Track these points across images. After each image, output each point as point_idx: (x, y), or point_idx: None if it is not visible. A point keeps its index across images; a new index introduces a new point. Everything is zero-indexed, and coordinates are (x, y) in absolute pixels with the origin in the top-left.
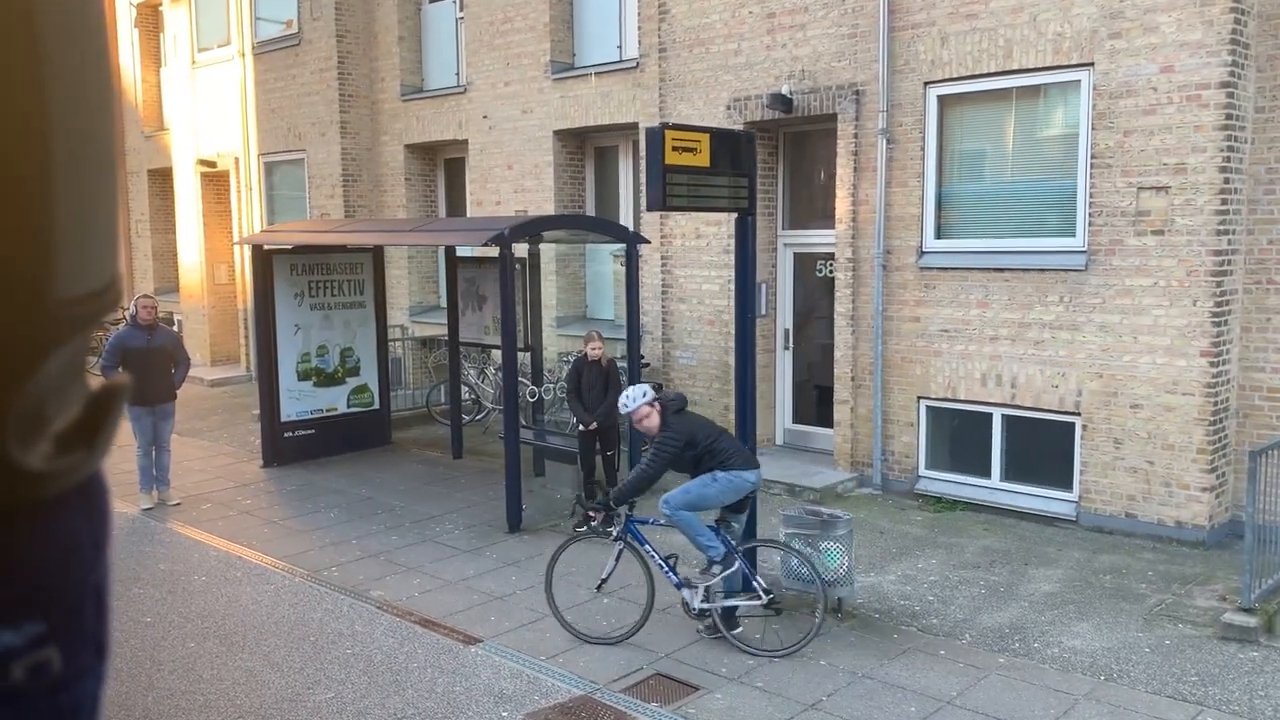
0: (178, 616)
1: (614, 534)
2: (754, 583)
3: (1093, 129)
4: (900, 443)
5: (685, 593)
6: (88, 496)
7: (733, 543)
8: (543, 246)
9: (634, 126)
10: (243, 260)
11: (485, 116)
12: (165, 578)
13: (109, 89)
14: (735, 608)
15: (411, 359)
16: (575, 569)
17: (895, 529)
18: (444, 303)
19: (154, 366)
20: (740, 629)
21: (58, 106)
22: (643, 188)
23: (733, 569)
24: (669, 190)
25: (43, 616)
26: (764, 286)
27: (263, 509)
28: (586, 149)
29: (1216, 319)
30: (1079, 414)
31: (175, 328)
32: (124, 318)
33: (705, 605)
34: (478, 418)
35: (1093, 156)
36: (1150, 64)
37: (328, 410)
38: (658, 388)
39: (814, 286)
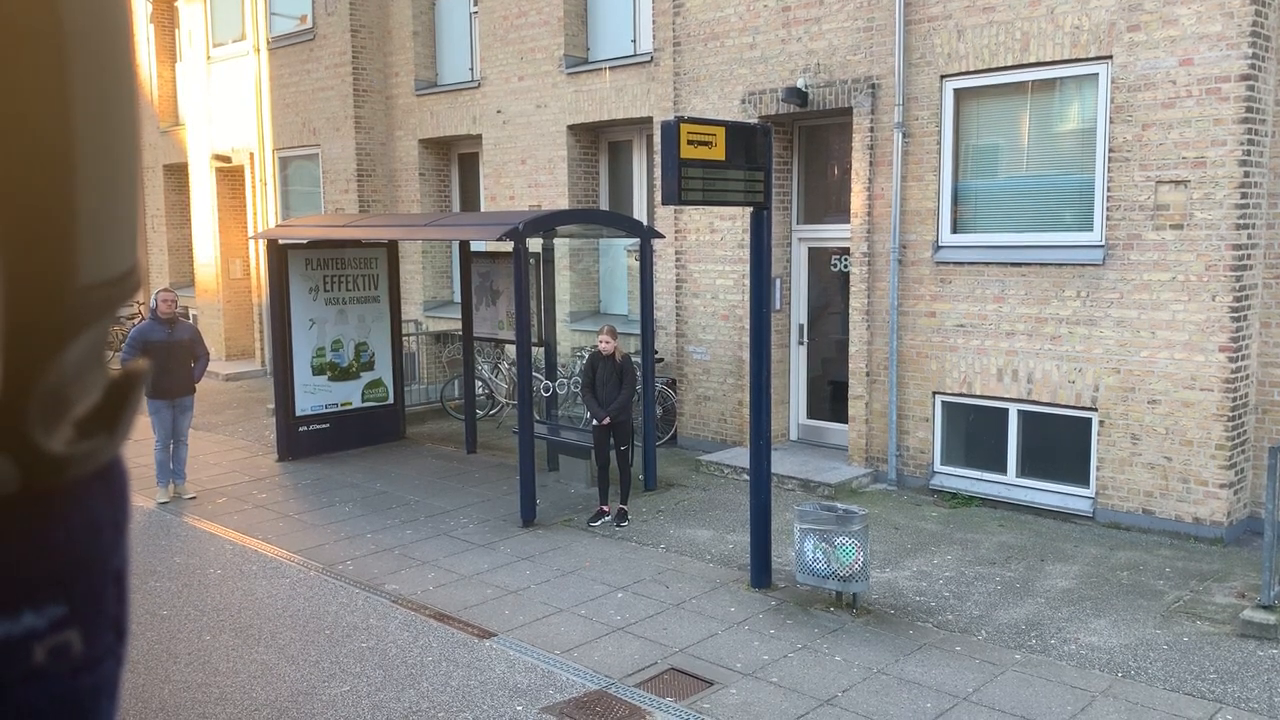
0: (193, 609)
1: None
2: None
3: (1111, 122)
4: (915, 438)
5: None
6: (108, 481)
7: None
8: (556, 241)
9: (648, 121)
10: (258, 255)
11: (499, 111)
12: (181, 571)
13: (131, 79)
14: None
15: (425, 354)
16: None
17: (910, 525)
18: (458, 297)
19: (174, 360)
20: None
21: (81, 94)
22: (656, 182)
23: None
24: (684, 184)
25: (64, 599)
26: (778, 281)
27: (278, 503)
28: (600, 143)
29: (1235, 314)
30: (1096, 410)
31: (192, 321)
32: (140, 313)
33: None
34: (491, 412)
35: (1110, 150)
36: (1169, 57)
37: (342, 405)
38: (670, 384)
39: (829, 281)
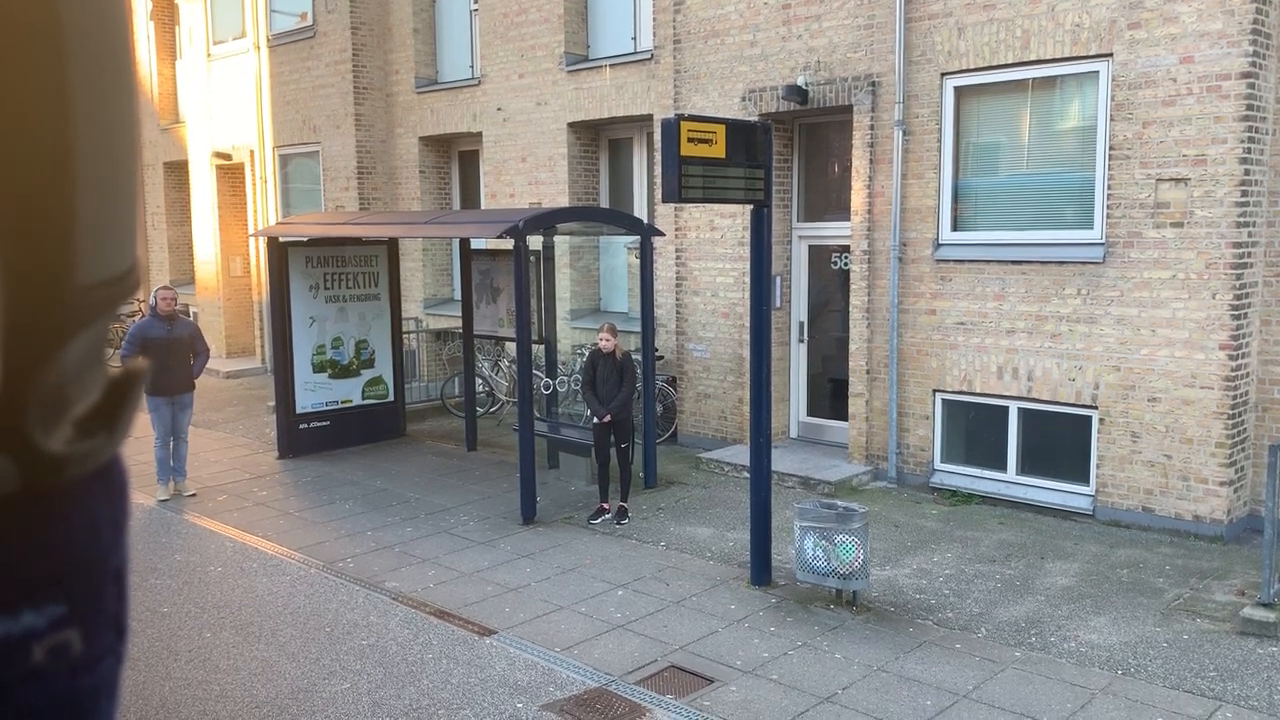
0: (194, 607)
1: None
2: None
3: (1111, 120)
4: (915, 436)
5: None
6: (107, 480)
7: None
8: (557, 239)
9: (648, 118)
10: (258, 253)
11: (499, 109)
12: (182, 568)
13: (130, 78)
14: None
15: (426, 351)
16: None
17: (910, 522)
18: (458, 295)
19: (174, 357)
20: None
21: (80, 92)
22: (657, 180)
23: None
24: (684, 182)
25: (64, 598)
26: (779, 279)
27: (278, 500)
28: (600, 141)
29: (1236, 312)
30: (1096, 407)
31: (192, 319)
32: (140, 310)
33: None
34: (492, 410)
35: (1111, 148)
36: (1170, 54)
37: (343, 402)
38: (670, 381)
39: (829, 279)
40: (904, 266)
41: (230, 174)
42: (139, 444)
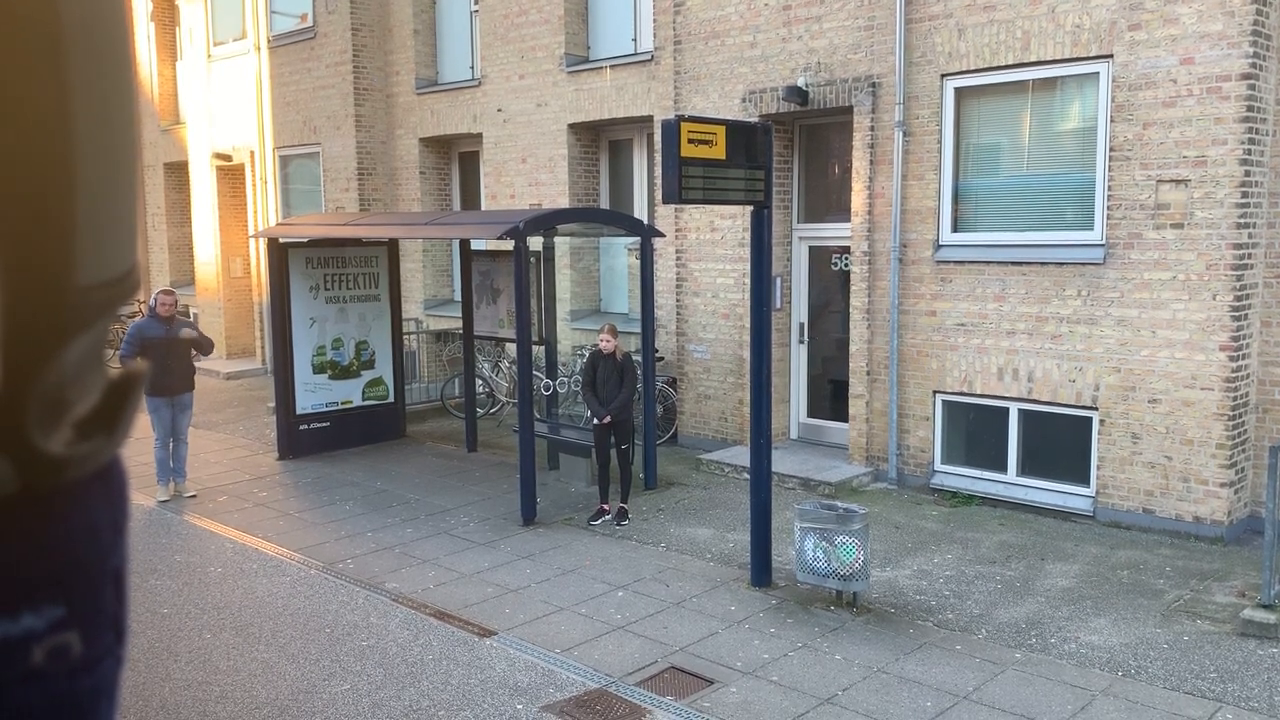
0: (194, 608)
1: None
2: None
3: (1111, 121)
4: (916, 437)
5: None
6: (107, 482)
7: None
8: (557, 240)
9: (649, 120)
10: (258, 253)
11: (500, 110)
12: (182, 569)
13: (130, 79)
14: None
15: (426, 352)
16: None
17: (910, 524)
18: (458, 296)
19: (173, 357)
20: None
21: (79, 97)
22: (657, 181)
23: None
24: (684, 183)
25: (63, 600)
26: (779, 280)
27: (278, 501)
28: (601, 142)
29: (1236, 313)
30: (1096, 409)
31: (191, 319)
32: (140, 310)
33: None
34: (492, 411)
35: (1111, 149)
36: (1170, 56)
37: (343, 403)
38: (671, 382)
39: (829, 280)
40: (904, 268)
41: (230, 175)
42: (139, 445)
